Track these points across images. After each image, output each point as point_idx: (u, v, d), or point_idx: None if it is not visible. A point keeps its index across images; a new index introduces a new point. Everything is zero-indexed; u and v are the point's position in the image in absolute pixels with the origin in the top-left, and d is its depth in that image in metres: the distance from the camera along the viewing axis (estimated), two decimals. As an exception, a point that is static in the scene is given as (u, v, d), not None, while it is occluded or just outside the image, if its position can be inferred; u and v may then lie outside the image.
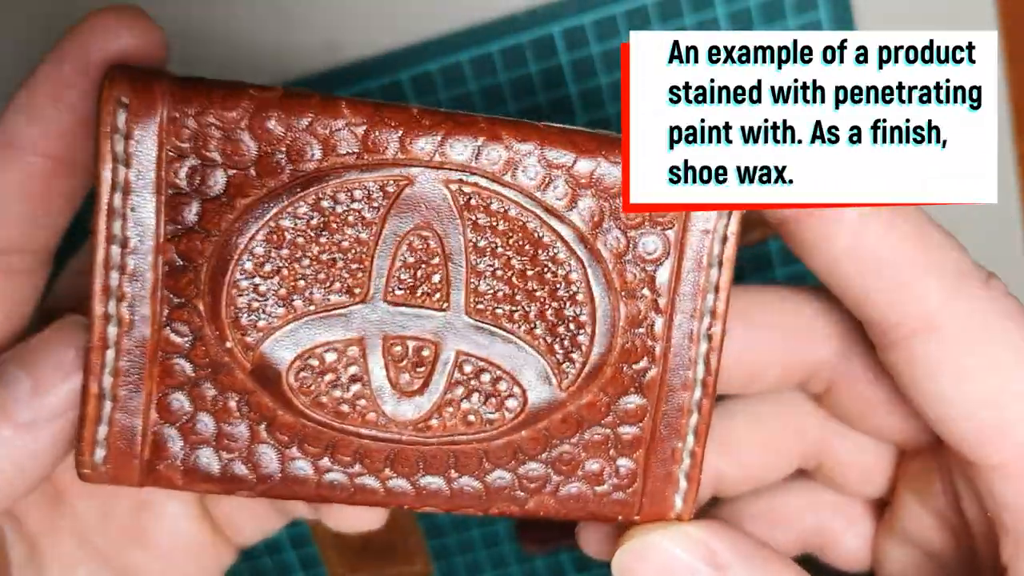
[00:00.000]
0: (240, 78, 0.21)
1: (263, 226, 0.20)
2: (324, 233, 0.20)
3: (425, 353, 0.21)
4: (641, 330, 0.21)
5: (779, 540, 0.27)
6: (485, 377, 0.21)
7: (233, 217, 0.20)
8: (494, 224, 0.21)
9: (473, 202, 0.21)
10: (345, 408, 0.21)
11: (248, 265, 0.20)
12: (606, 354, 0.21)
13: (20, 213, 0.20)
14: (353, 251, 0.20)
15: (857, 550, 0.27)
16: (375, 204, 0.20)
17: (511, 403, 0.21)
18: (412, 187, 0.20)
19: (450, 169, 0.20)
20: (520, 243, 0.21)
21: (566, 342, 0.21)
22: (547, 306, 0.21)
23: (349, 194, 0.20)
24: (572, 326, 0.21)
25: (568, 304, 0.21)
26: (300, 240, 0.20)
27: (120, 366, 0.20)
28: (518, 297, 0.21)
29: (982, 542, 0.23)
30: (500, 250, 0.21)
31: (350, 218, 0.20)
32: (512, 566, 0.39)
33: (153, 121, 0.19)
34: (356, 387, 0.21)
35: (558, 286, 0.21)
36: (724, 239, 0.21)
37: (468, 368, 0.21)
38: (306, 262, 0.20)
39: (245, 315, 0.20)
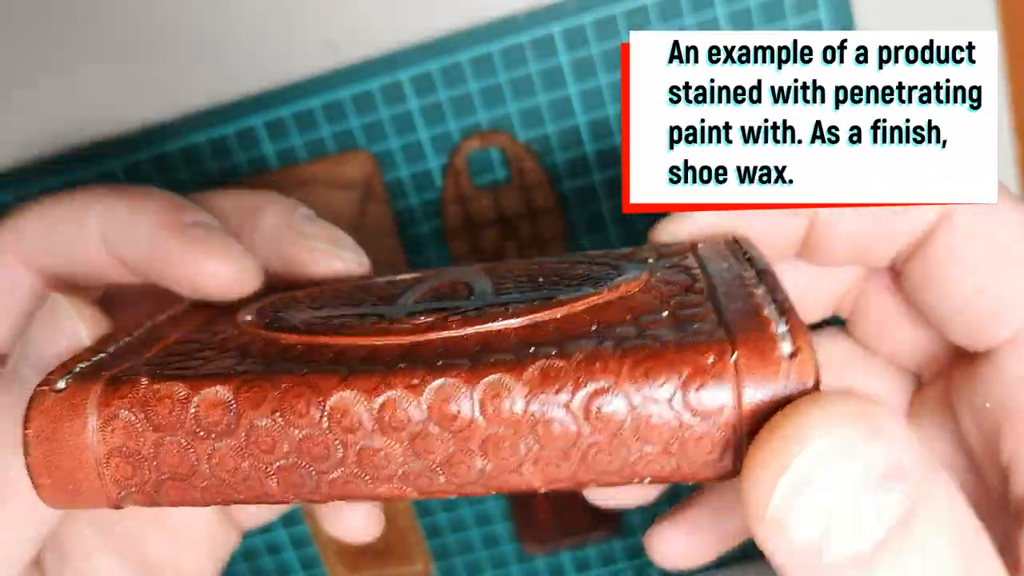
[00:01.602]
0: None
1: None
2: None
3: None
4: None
5: None
6: (517, 302, 0.19)
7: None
8: (515, 271, 0.22)
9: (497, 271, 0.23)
10: (359, 321, 0.20)
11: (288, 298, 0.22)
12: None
13: None
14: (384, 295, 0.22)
15: None
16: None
17: (547, 297, 0.19)
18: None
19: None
20: (541, 273, 0.22)
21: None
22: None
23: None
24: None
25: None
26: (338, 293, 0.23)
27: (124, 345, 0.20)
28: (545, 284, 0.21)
29: (986, 468, 0.23)
30: (522, 275, 0.22)
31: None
32: (512, 566, 0.39)
33: None
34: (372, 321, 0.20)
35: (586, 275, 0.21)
36: (745, 252, 0.21)
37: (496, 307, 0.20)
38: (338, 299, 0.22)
39: (271, 306, 0.22)
